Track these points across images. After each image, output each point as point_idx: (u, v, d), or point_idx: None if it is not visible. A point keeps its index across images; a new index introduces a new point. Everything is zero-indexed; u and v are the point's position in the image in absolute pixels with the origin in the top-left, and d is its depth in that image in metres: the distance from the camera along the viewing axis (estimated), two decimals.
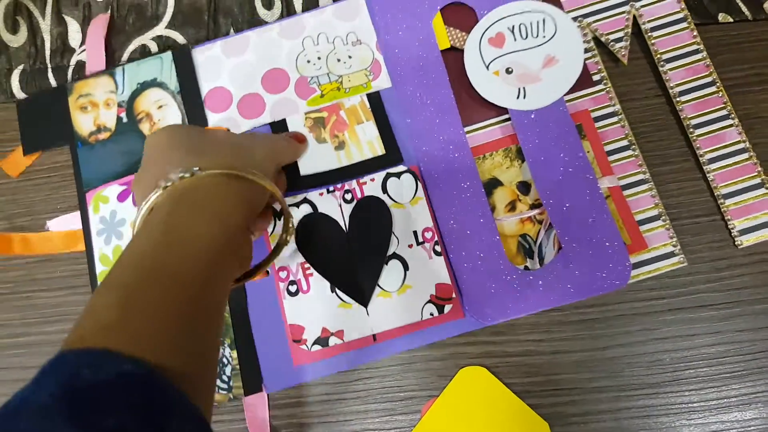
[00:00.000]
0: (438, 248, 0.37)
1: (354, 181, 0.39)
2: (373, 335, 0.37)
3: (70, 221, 0.42)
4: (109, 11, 0.45)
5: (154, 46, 0.45)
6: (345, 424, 0.37)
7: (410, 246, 0.37)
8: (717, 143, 0.39)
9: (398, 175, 0.39)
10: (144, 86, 0.43)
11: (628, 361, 0.37)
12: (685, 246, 0.38)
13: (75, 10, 0.46)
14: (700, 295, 0.37)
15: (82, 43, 0.45)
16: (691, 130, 0.39)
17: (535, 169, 0.38)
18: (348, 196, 0.39)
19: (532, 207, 0.39)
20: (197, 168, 0.29)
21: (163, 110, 0.42)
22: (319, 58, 0.42)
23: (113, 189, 0.41)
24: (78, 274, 0.41)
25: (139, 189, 0.31)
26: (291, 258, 0.38)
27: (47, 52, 0.45)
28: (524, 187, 0.39)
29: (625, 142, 0.39)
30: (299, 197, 0.39)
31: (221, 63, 0.43)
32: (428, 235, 0.38)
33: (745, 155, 0.38)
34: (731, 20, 0.41)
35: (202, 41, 0.44)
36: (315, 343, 0.37)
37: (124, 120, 0.42)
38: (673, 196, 0.39)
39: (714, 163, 0.39)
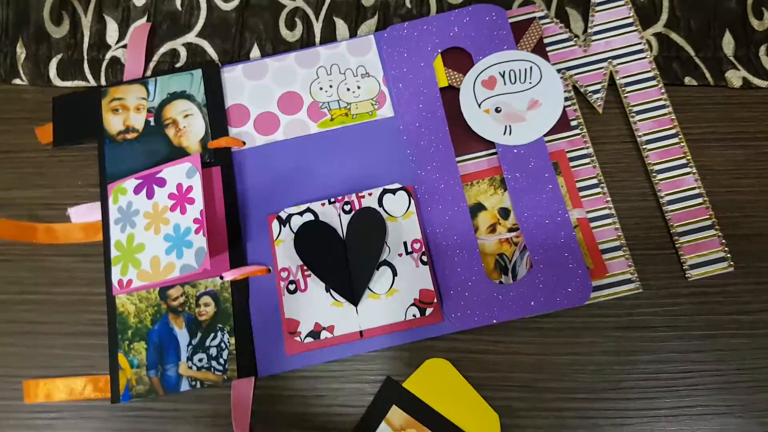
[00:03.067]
0: (424, 258, 0.42)
1: (353, 194, 0.44)
2: (360, 331, 0.41)
3: (89, 212, 0.46)
4: (150, 19, 0.50)
5: (183, 52, 0.50)
6: (320, 399, 0.41)
7: (400, 255, 0.42)
8: (676, 187, 0.44)
9: (394, 191, 0.43)
10: (174, 96, 0.47)
11: (575, 368, 0.41)
12: (639, 274, 0.42)
13: (115, 12, 0.51)
14: (645, 318, 0.42)
15: (119, 41, 0.50)
16: (654, 174, 0.44)
17: (514, 198, 0.43)
18: (347, 207, 0.43)
19: (510, 230, 0.43)
20: None
21: (188, 119, 0.47)
22: (330, 86, 0.47)
23: (131, 182, 0.44)
24: (92, 245, 0.45)
25: None
26: (292, 260, 0.43)
27: (85, 46, 0.50)
28: (504, 212, 0.44)
29: (595, 181, 0.44)
30: (302, 206, 0.44)
31: (242, 84, 0.48)
32: (416, 246, 0.42)
33: (700, 200, 0.43)
34: (695, 83, 0.47)
35: (228, 52, 0.49)
36: (308, 335, 0.41)
37: (152, 124, 0.47)
38: (634, 230, 0.43)
39: (672, 204, 0.44)
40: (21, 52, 0.50)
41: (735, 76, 0.46)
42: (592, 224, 0.43)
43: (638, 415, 0.40)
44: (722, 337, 0.42)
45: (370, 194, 0.44)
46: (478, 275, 0.42)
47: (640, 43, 0.47)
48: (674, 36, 0.48)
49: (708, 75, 0.47)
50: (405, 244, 0.42)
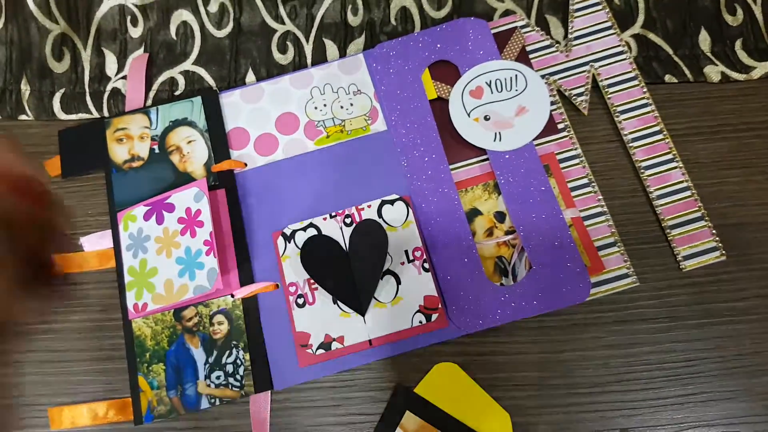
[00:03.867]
0: (426, 265, 0.43)
1: (353, 207, 0.45)
2: (369, 340, 0.42)
3: (101, 240, 0.47)
4: (147, 49, 0.52)
5: (181, 80, 0.51)
6: (335, 408, 0.43)
7: (402, 263, 0.43)
8: (664, 182, 0.45)
9: (392, 202, 0.45)
10: (176, 124, 0.49)
11: (579, 364, 0.42)
12: (635, 268, 0.44)
13: (113, 44, 0.53)
14: (643, 310, 0.43)
15: (118, 72, 0.52)
16: (642, 170, 0.46)
17: (509, 201, 0.45)
18: (348, 220, 0.45)
19: (507, 233, 0.45)
20: None
21: (192, 145, 0.48)
22: (324, 105, 0.49)
23: (140, 210, 0.46)
24: (106, 272, 0.46)
25: None
26: (299, 275, 0.44)
27: (86, 79, 0.52)
28: (500, 216, 0.45)
29: (585, 180, 0.46)
30: (305, 222, 0.45)
31: (241, 107, 0.49)
32: (418, 254, 0.44)
33: (688, 192, 0.45)
34: (675, 81, 0.48)
35: (224, 78, 0.51)
36: (319, 347, 0.42)
37: (156, 151, 0.48)
38: (627, 226, 0.45)
39: (661, 199, 0.45)
40: (25, 88, 0.51)
41: (713, 71, 0.48)
42: (586, 222, 0.45)
43: (645, 405, 0.41)
44: (720, 325, 0.43)
45: (369, 206, 0.45)
46: (480, 279, 0.43)
47: (619, 45, 0.48)
48: (652, 36, 0.49)
49: (687, 72, 0.48)
50: (406, 252, 0.44)
